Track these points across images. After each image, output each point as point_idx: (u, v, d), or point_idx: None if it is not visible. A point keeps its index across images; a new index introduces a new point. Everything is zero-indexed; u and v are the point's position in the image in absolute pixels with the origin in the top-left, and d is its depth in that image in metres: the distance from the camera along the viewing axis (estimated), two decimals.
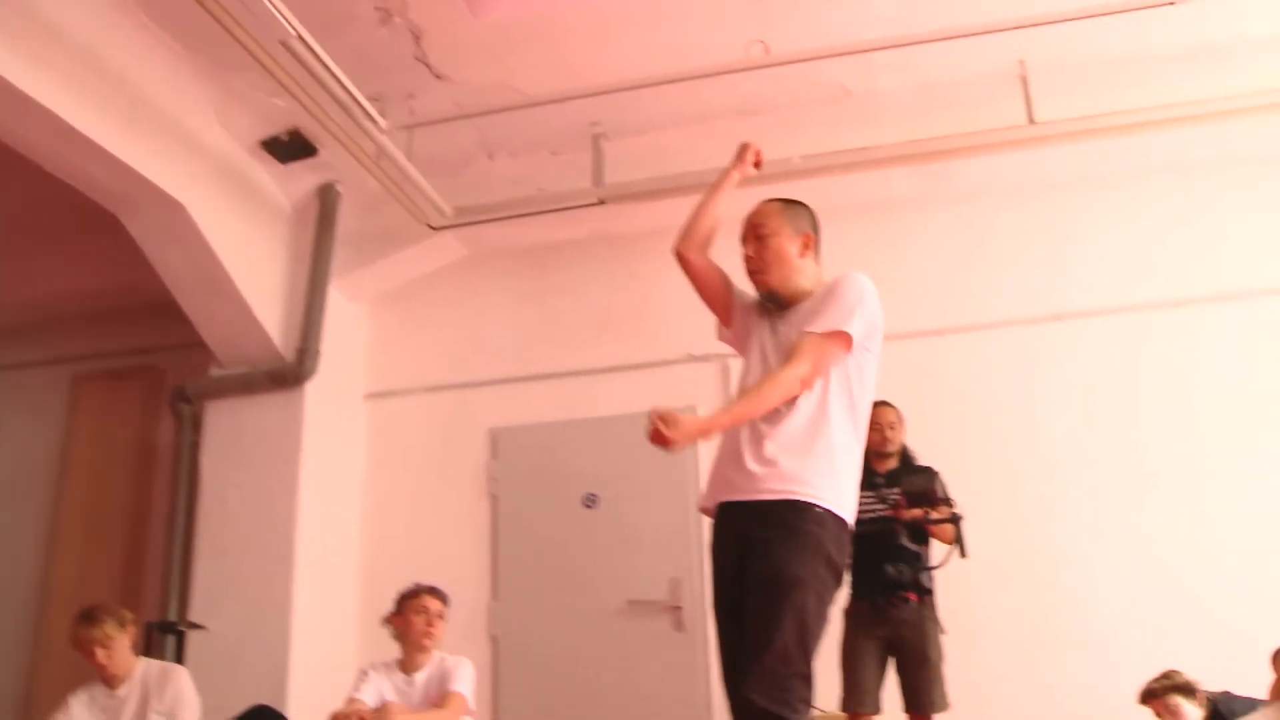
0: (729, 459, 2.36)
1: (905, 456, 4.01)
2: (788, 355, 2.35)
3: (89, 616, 3.53)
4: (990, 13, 3.66)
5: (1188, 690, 3.34)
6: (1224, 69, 4.06)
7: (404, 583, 3.71)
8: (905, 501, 3.54)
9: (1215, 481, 4.41)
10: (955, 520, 3.40)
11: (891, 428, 3.98)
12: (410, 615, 3.55)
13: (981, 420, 4.67)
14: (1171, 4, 3.33)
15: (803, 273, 2.50)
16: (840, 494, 2.29)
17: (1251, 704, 3.41)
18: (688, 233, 2.65)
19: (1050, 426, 4.63)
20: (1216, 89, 4.00)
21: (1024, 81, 4.11)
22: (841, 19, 3.82)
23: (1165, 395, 4.57)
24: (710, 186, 2.70)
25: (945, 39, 3.71)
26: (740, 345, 2.61)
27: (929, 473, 3.58)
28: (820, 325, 2.35)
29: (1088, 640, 4.31)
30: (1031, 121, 4.08)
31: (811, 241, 2.55)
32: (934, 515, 3.51)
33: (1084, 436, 4.59)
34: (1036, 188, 4.94)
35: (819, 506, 2.24)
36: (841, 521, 2.28)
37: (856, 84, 4.24)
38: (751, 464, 2.29)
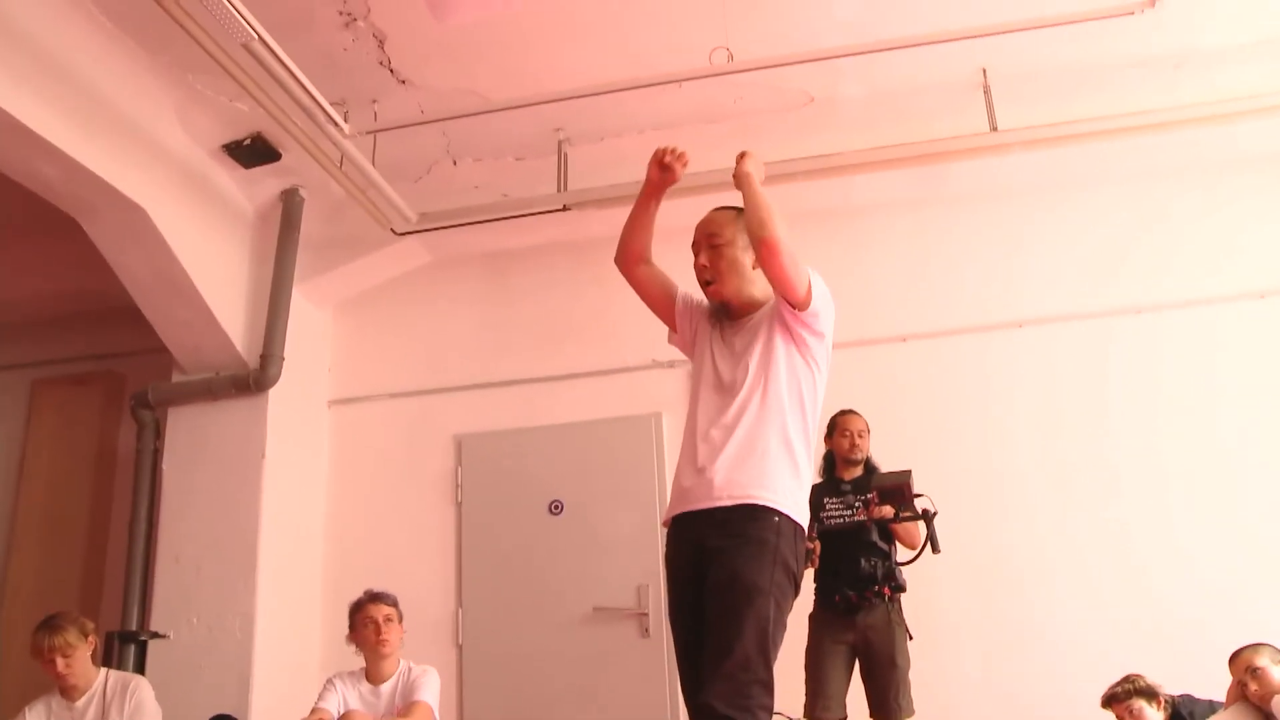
0: (685, 469, 2.35)
1: (869, 466, 4.02)
2: (738, 364, 2.36)
3: (50, 625, 3.46)
4: (952, 21, 3.67)
5: (1149, 694, 3.36)
6: (1181, 79, 4.12)
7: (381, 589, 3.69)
8: (877, 498, 3.53)
9: (1178, 484, 4.45)
10: (928, 517, 3.41)
11: (860, 435, 3.99)
12: (360, 629, 3.54)
13: (945, 426, 4.69)
14: (1130, 14, 3.35)
15: (754, 283, 2.46)
16: (796, 498, 2.28)
17: (1211, 707, 3.44)
18: (622, 245, 2.66)
19: (1014, 432, 4.66)
20: (1174, 98, 4.06)
21: (986, 90, 4.14)
22: (805, 26, 3.82)
23: (1128, 399, 4.61)
24: (638, 197, 2.66)
25: (907, 46, 3.71)
26: (689, 350, 2.60)
27: (902, 471, 3.58)
28: None
29: (1051, 644, 4.32)
30: (994, 129, 4.10)
31: None
32: (905, 513, 3.50)
33: (1048, 441, 4.61)
34: (998, 194, 4.97)
35: (777, 512, 2.22)
36: (798, 527, 2.26)
37: (819, 91, 4.23)
38: (707, 471, 2.27)
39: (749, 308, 2.46)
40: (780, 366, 2.35)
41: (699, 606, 2.21)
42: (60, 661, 3.42)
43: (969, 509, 4.31)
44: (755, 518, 2.21)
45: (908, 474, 3.46)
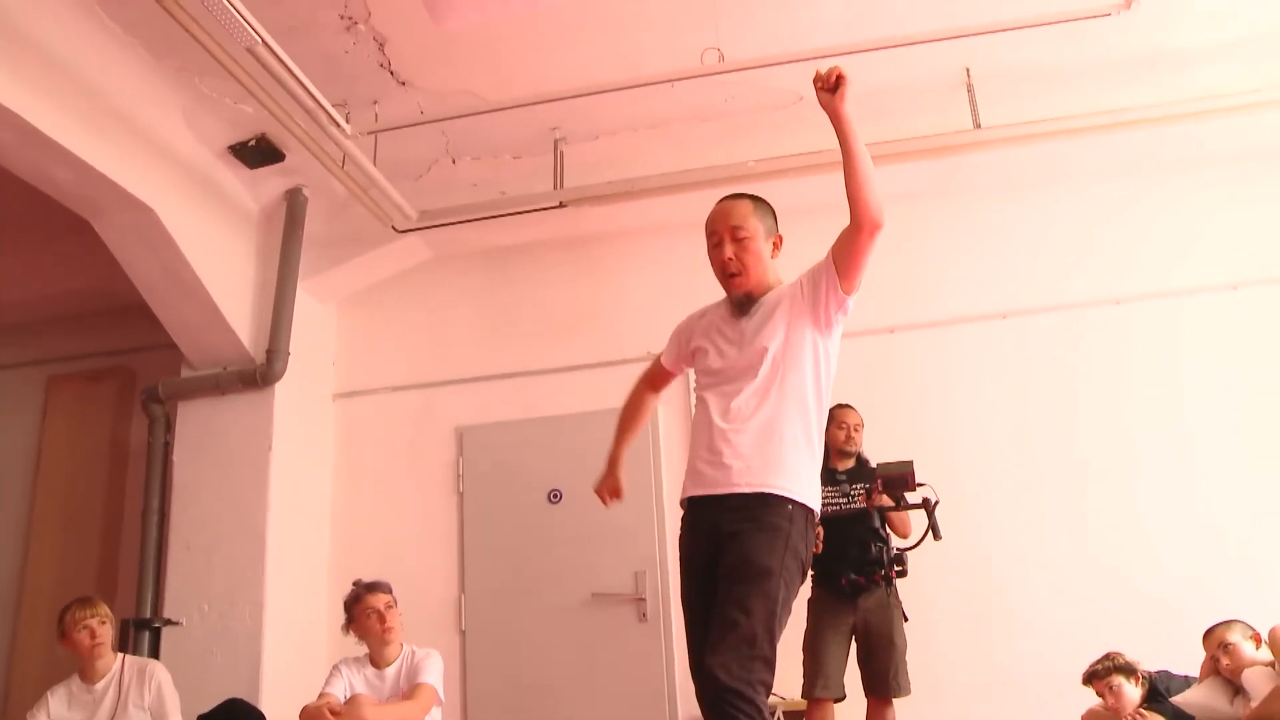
0: (702, 452, 2.35)
1: (860, 459, 4.05)
2: (751, 350, 2.35)
3: (82, 599, 3.54)
4: (936, 22, 3.69)
5: (1128, 670, 3.41)
6: (1156, 78, 4.16)
7: (375, 578, 3.69)
8: (880, 486, 3.56)
9: (1148, 472, 4.50)
10: (929, 505, 3.43)
11: (856, 429, 4.02)
12: (362, 619, 3.53)
13: (922, 416, 4.72)
14: (1107, 15, 3.38)
15: (772, 271, 2.49)
16: (809, 485, 2.30)
17: (1186, 681, 3.50)
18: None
19: (995, 421, 4.70)
20: (1149, 96, 4.09)
21: (970, 88, 4.17)
22: (793, 27, 3.83)
23: (1100, 389, 4.66)
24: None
25: (893, 47, 3.73)
26: (684, 365, 2.62)
27: (905, 462, 3.58)
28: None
29: (1031, 625, 4.38)
30: (977, 126, 4.14)
31: (781, 243, 2.52)
32: (907, 502, 3.53)
33: (1025, 431, 4.66)
34: (981, 189, 5.00)
35: (790, 500, 2.24)
36: (809, 513, 2.28)
37: (808, 90, 4.12)
38: (724, 456, 2.28)
39: (763, 292, 2.46)
40: (805, 353, 2.35)
41: (711, 587, 2.23)
42: (93, 632, 3.47)
43: (951, 497, 4.27)
44: (770, 505, 2.23)
45: (910, 464, 3.47)
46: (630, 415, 2.71)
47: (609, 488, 2.70)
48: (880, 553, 3.69)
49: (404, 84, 4.11)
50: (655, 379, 2.70)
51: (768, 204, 2.56)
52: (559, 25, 3.84)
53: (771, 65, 3.83)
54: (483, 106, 4.08)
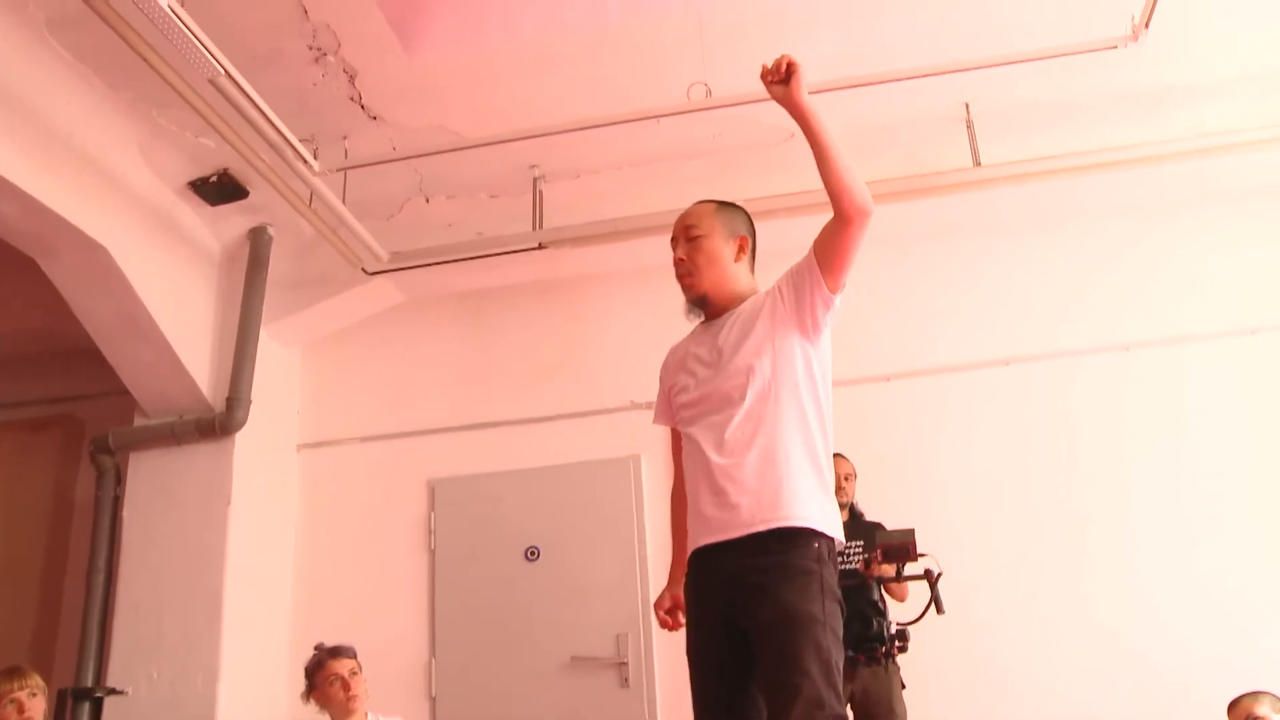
0: (705, 495, 2.24)
1: (855, 512, 4.02)
2: (733, 370, 2.26)
3: (12, 670, 3.36)
4: (934, 56, 3.67)
5: None
6: (1165, 113, 4.16)
7: (339, 641, 3.60)
8: (880, 556, 3.45)
9: (1148, 529, 4.43)
10: (932, 578, 3.35)
11: (847, 479, 3.99)
12: (325, 686, 3.42)
13: (917, 468, 4.67)
14: (1113, 49, 3.36)
15: (736, 278, 2.40)
16: (825, 511, 2.20)
17: None
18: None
19: (988, 474, 4.64)
20: (1158, 133, 4.10)
21: (969, 124, 4.15)
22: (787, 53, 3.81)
23: (1102, 441, 4.60)
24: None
25: (888, 81, 3.69)
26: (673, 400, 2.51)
27: (906, 530, 3.49)
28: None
29: (1030, 693, 4.28)
30: (977, 164, 4.11)
31: (747, 245, 2.45)
32: (908, 574, 3.44)
33: (1021, 484, 4.60)
34: (981, 229, 4.98)
35: (815, 535, 2.14)
36: (833, 543, 2.19)
37: (798, 127, 4.21)
38: (731, 496, 2.18)
39: (729, 303, 2.38)
40: (796, 366, 2.26)
41: (731, 638, 2.14)
42: (21, 705, 3.29)
43: (946, 554, 4.21)
44: (795, 544, 2.13)
45: (911, 533, 3.37)
46: (682, 505, 2.44)
47: (666, 606, 2.46)
48: (882, 628, 3.62)
49: (375, 118, 4.07)
50: (678, 450, 2.51)
51: (738, 207, 2.50)
52: (538, 58, 3.81)
53: (761, 101, 3.58)
54: (458, 143, 4.04)
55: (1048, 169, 4.09)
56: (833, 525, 2.19)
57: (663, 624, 2.45)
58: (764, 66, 2.20)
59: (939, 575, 3.33)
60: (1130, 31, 3.35)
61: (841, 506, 3.84)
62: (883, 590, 3.70)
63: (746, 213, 2.52)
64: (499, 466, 5.06)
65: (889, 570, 3.48)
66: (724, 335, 2.32)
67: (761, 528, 2.13)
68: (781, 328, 2.26)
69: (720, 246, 2.39)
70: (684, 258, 2.39)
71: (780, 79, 2.19)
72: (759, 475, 2.17)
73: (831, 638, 2.08)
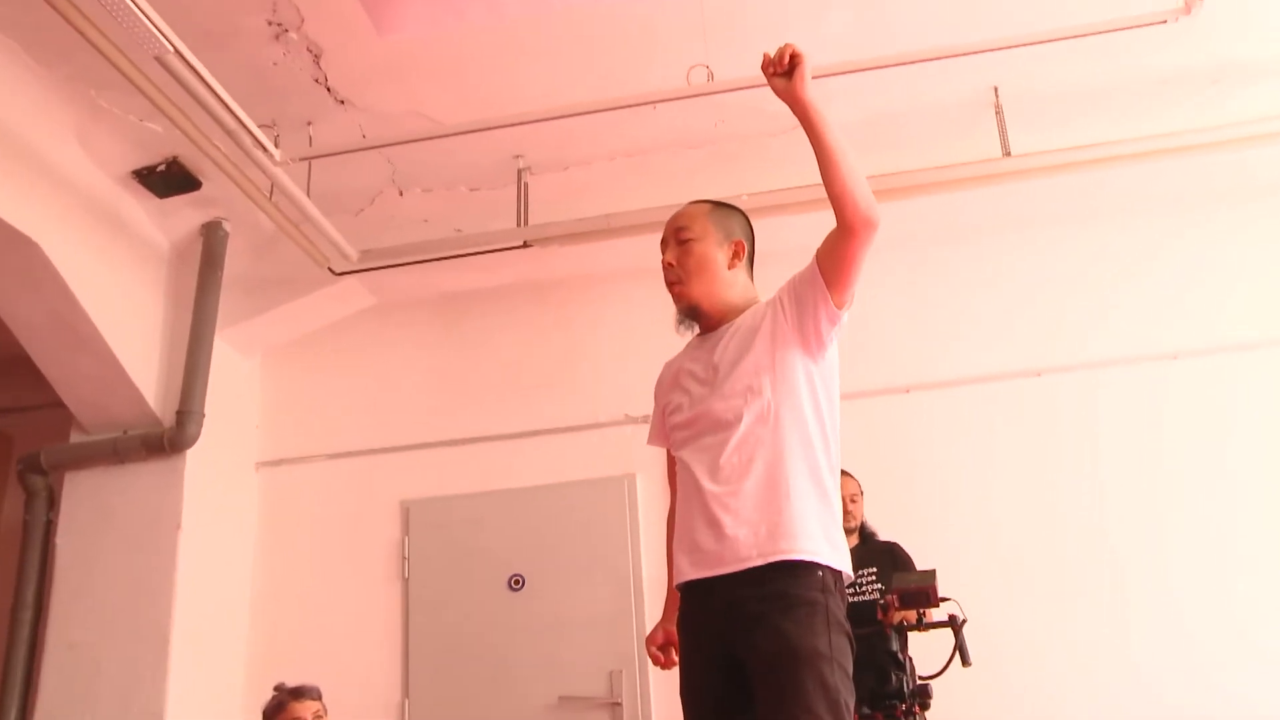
0: (699, 525, 2.19)
1: (865, 533, 3.97)
2: (729, 390, 2.23)
3: None
4: (959, 35, 3.62)
5: None
6: (1219, 96, 4.14)
7: (301, 681, 3.57)
8: (897, 602, 3.33)
9: (1189, 566, 4.38)
10: (957, 625, 3.26)
11: (853, 500, 3.91)
12: None
13: (935, 488, 4.63)
14: (1163, 23, 3.30)
15: (732, 286, 2.36)
16: (832, 542, 2.15)
17: None
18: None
19: (1014, 496, 4.60)
20: (1211, 117, 4.05)
21: (998, 111, 4.12)
22: (793, 42, 3.75)
23: (1141, 460, 4.56)
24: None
25: (907, 64, 3.66)
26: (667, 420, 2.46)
27: (926, 571, 3.41)
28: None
29: None
30: (1007, 154, 4.08)
31: (743, 250, 2.40)
32: (929, 621, 3.35)
33: (1049, 508, 4.56)
34: (1011, 227, 4.96)
35: (818, 565, 2.10)
36: (840, 576, 2.15)
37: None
38: (727, 528, 2.14)
39: (725, 314, 2.35)
40: (798, 384, 2.22)
41: (728, 682, 2.10)
42: None
43: (965, 588, 4.18)
44: (796, 575, 2.09)
45: (932, 575, 3.28)
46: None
47: (659, 641, 2.43)
48: (901, 682, 3.48)
49: (343, 103, 4.04)
50: (674, 475, 2.48)
51: (735, 209, 2.48)
52: (524, 38, 3.78)
53: (767, 85, 3.74)
54: (435, 130, 4.03)
55: (1086, 159, 4.05)
56: (840, 557, 2.15)
57: (655, 661, 2.42)
58: (765, 56, 2.17)
59: (963, 622, 3.24)
60: (1182, 3, 3.30)
61: (849, 531, 3.85)
62: (903, 640, 3.57)
63: (744, 215, 2.49)
64: (480, 486, 5.04)
65: (910, 617, 3.40)
66: (720, 350, 2.30)
67: (759, 562, 2.10)
68: (782, 343, 2.24)
69: (713, 251, 2.36)
70: (673, 263, 2.37)
71: (783, 71, 2.15)
72: (757, 504, 2.14)
73: (840, 675, 2.03)
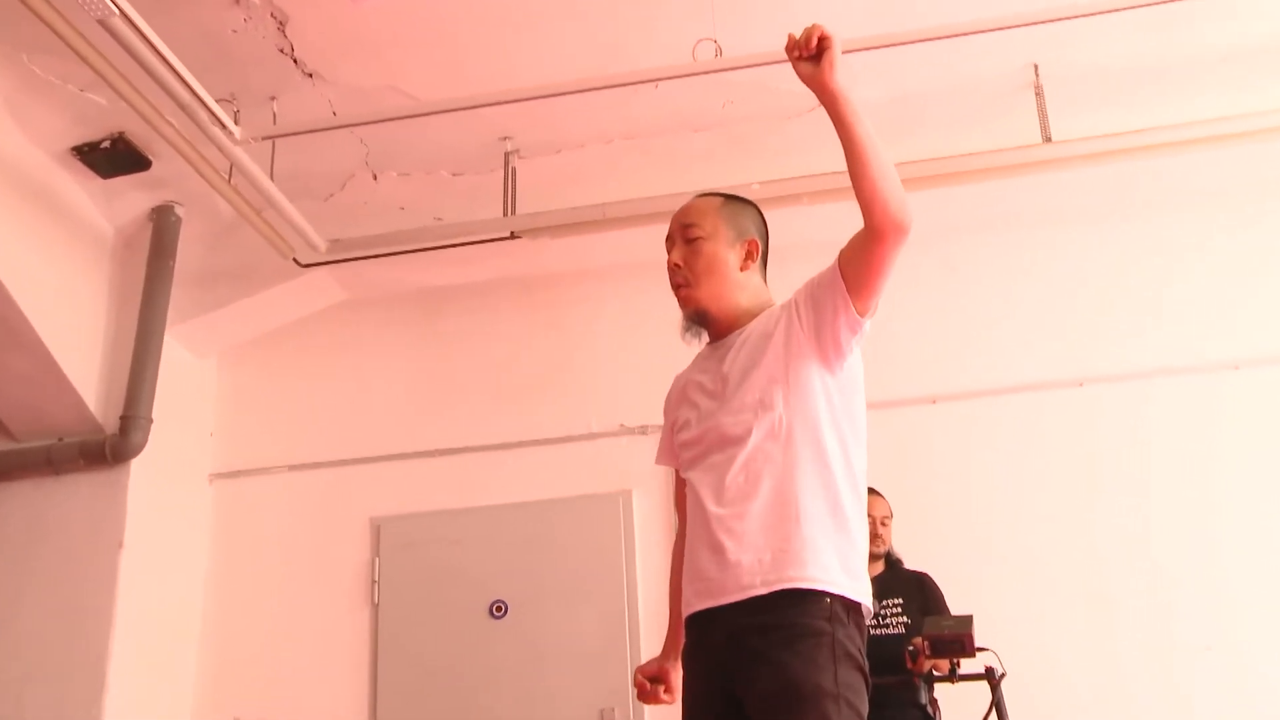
0: (702, 551, 2.18)
1: (891, 560, 3.99)
2: (737, 404, 2.21)
3: None
4: (995, 7, 3.58)
5: None
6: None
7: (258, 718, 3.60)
8: (928, 649, 3.29)
9: (1248, 602, 4.35)
10: (994, 679, 3.25)
11: (884, 524, 3.93)
12: None
13: (965, 510, 4.61)
14: None
15: (743, 289, 2.33)
16: (848, 571, 2.11)
17: None
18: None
19: (1051, 521, 4.57)
20: (1262, 102, 4.03)
21: (1038, 91, 4.10)
22: (810, 14, 3.70)
23: (1195, 477, 4.51)
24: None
25: (937, 39, 3.62)
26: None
27: (963, 618, 3.38)
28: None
29: None
30: (1047, 140, 4.06)
31: (757, 250, 2.37)
32: (963, 672, 3.32)
33: (1090, 529, 4.53)
34: (1051, 220, 4.93)
35: (828, 594, 2.06)
36: (857, 609, 2.11)
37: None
38: (730, 553, 2.11)
39: (736, 320, 2.32)
40: (815, 397, 2.18)
41: (730, 716, 2.08)
42: None
43: (1002, 626, 4.15)
44: (801, 603, 2.05)
45: (969, 622, 3.24)
46: (680, 563, 2.39)
47: (650, 673, 2.40)
48: None
49: (311, 75, 4.02)
50: (682, 499, 2.44)
51: (748, 204, 2.46)
52: (513, 7, 3.77)
53: (782, 62, 3.67)
54: (414, 108, 4.03)
55: (1136, 145, 4.03)
56: (858, 588, 2.11)
57: (639, 690, 2.40)
58: (790, 37, 2.11)
59: (1002, 676, 3.22)
60: None
61: (875, 557, 3.87)
62: (931, 691, 3.56)
63: (758, 210, 2.45)
64: (459, 503, 5.02)
65: (942, 667, 3.38)
66: (730, 360, 2.28)
67: (762, 590, 2.06)
68: (797, 352, 2.20)
69: (724, 251, 2.33)
70: (679, 264, 2.33)
71: (810, 54, 2.09)
72: (764, 528, 2.11)
73: (848, 713, 1.99)
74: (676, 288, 2.34)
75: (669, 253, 2.36)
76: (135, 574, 4.56)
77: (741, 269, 2.33)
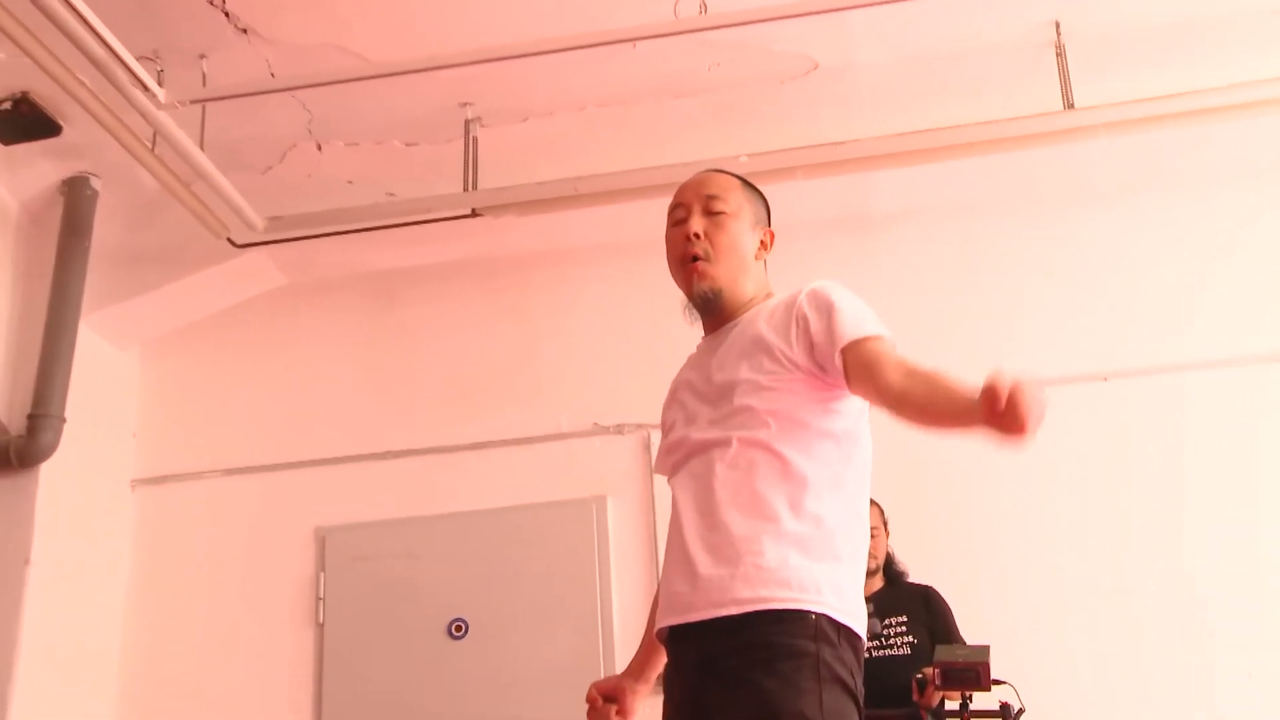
0: (675, 563, 2.19)
1: (893, 573, 4.04)
2: (724, 405, 2.21)
3: None
4: None
5: None
6: None
7: None
8: (939, 680, 3.29)
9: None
10: (1009, 714, 3.27)
11: (874, 535, 3.91)
12: None
13: (979, 518, 4.64)
14: None
15: (753, 278, 2.37)
16: (843, 592, 2.09)
17: None
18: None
19: (1075, 529, 4.60)
20: None
21: (1060, 52, 4.08)
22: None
23: (1225, 490, 4.53)
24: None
25: None
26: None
27: (979, 647, 3.37)
28: (850, 333, 2.12)
29: None
30: (1070, 106, 4.04)
31: (772, 241, 2.43)
32: (975, 707, 3.34)
33: (1120, 539, 4.56)
34: (1072, 195, 4.94)
35: (813, 613, 2.02)
36: (848, 633, 2.08)
37: (826, 55, 4.21)
38: (700, 566, 2.10)
39: (739, 309, 2.33)
40: (805, 397, 2.18)
41: None
42: None
43: (1020, 642, 4.16)
44: (780, 622, 2.03)
45: (985, 652, 3.24)
46: None
47: (605, 689, 2.40)
48: None
49: (245, 32, 3.98)
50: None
51: (762, 194, 2.47)
52: None
53: (774, 19, 3.72)
54: (363, 70, 4.00)
55: (1168, 112, 4.03)
56: (849, 610, 2.08)
57: (590, 705, 2.39)
58: (994, 389, 1.69)
59: (1020, 712, 3.25)
60: None
61: (872, 572, 3.83)
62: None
63: (768, 204, 2.49)
64: (413, 511, 5.02)
65: (951, 698, 3.39)
66: (719, 361, 2.29)
67: (733, 610, 2.05)
68: (788, 359, 2.20)
69: (745, 234, 2.36)
70: (701, 234, 2.31)
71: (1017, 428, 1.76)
72: (742, 540, 2.10)
73: None
74: (693, 260, 2.31)
75: (684, 222, 2.34)
76: (45, 594, 4.54)
77: (756, 258, 2.37)
